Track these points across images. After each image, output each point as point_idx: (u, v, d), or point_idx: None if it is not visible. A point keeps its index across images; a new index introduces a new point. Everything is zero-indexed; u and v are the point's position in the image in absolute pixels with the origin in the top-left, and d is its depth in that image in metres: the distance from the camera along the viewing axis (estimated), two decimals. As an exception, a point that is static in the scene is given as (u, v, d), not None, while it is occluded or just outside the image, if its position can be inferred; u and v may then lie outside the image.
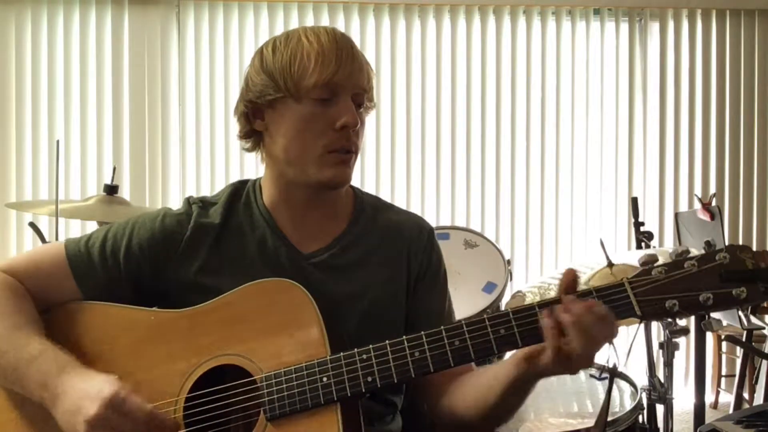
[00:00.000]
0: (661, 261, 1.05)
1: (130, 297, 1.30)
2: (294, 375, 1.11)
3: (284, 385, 1.11)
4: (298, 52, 1.20)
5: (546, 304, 1.06)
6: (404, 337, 1.10)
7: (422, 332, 1.10)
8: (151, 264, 1.27)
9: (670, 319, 1.06)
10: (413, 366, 1.08)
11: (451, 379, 1.26)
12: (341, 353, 1.11)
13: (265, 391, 1.12)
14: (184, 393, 1.17)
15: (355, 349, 1.11)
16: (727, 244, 1.09)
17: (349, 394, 1.09)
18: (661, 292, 1.02)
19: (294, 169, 1.24)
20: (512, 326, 1.06)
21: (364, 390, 1.09)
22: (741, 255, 1.01)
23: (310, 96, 1.20)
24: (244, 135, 1.30)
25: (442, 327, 1.09)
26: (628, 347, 1.12)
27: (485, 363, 1.28)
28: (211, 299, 1.22)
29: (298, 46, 1.21)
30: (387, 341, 1.10)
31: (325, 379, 1.10)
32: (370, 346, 1.11)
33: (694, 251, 1.05)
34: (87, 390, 1.09)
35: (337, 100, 1.21)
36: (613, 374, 1.14)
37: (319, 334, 1.13)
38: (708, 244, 1.05)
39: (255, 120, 1.27)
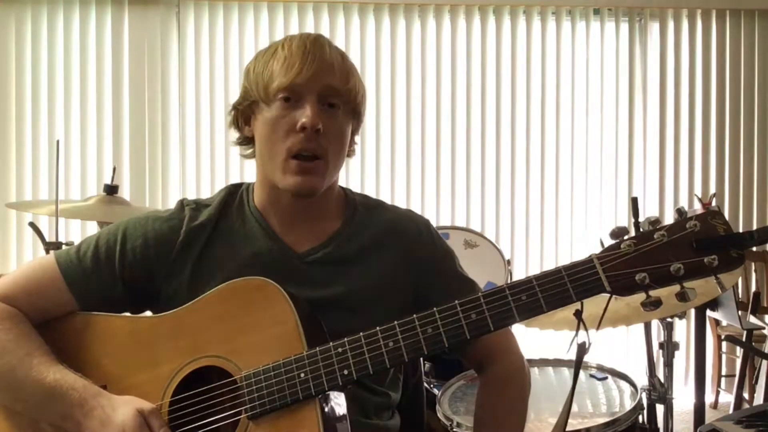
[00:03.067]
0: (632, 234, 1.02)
1: (125, 303, 1.29)
2: (272, 373, 1.12)
3: (263, 384, 1.12)
4: (271, 59, 1.24)
5: (517, 286, 1.06)
6: (378, 328, 1.10)
7: (395, 322, 1.10)
8: (145, 268, 1.27)
9: (643, 293, 1.02)
10: (387, 356, 1.09)
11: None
12: (317, 348, 1.11)
13: (245, 390, 1.13)
14: (167, 397, 1.17)
15: (331, 343, 1.11)
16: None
17: (326, 389, 1.09)
18: (630, 265, 1.00)
19: (269, 175, 1.27)
20: (483, 310, 1.06)
21: (341, 383, 1.10)
22: (712, 221, 0.97)
23: (276, 98, 1.22)
24: (239, 142, 1.34)
25: (414, 316, 1.09)
26: (597, 326, 1.08)
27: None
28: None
29: (273, 55, 1.25)
30: (361, 333, 1.10)
31: (302, 374, 1.10)
32: (345, 339, 1.11)
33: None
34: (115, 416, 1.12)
35: (302, 103, 1.22)
36: (582, 352, 1.10)
37: (294, 330, 1.13)
38: (679, 212, 1.01)
39: (245, 127, 1.31)
